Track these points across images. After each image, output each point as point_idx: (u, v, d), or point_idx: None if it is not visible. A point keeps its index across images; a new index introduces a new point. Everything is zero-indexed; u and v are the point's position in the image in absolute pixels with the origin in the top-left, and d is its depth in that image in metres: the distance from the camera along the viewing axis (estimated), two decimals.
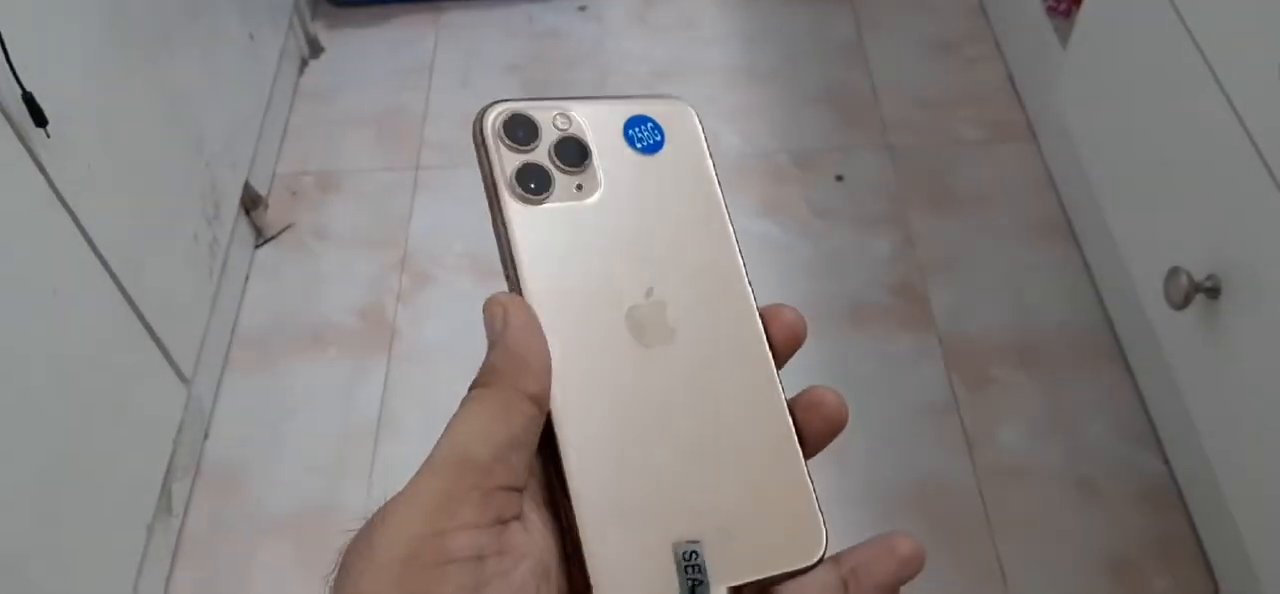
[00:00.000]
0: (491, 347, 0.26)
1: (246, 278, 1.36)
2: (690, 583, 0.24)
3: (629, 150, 0.30)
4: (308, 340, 1.30)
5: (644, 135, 0.31)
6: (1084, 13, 1.10)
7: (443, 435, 0.25)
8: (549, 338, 0.26)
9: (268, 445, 1.20)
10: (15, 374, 0.84)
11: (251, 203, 1.38)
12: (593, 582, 0.24)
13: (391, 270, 1.37)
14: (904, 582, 0.27)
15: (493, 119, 0.30)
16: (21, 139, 0.86)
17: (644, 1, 1.71)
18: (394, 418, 1.22)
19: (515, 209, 0.29)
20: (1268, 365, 0.78)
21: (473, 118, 0.30)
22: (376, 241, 1.40)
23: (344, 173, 1.49)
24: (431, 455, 0.25)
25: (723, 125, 1.51)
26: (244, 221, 1.37)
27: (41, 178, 0.88)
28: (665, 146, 0.31)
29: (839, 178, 1.43)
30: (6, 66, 0.83)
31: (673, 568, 0.24)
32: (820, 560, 0.26)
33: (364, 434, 1.20)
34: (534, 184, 0.29)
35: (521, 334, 0.26)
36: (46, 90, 0.87)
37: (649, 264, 0.28)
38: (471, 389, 0.26)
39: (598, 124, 0.30)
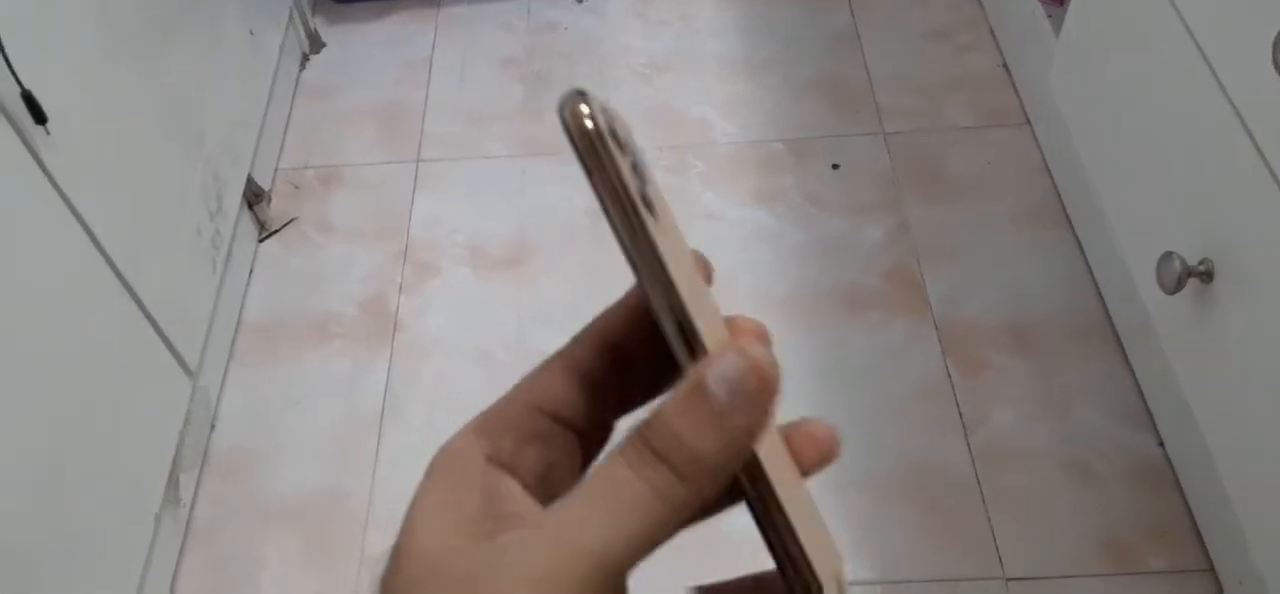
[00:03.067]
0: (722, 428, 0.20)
1: (250, 271, 1.38)
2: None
3: None
4: (312, 332, 1.31)
5: None
6: None
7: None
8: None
9: (274, 436, 1.22)
10: (20, 369, 0.85)
11: (254, 197, 1.39)
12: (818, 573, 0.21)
13: (394, 262, 1.38)
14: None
15: (601, 118, 0.21)
16: (21, 137, 0.87)
17: None
18: (397, 407, 1.23)
19: (660, 236, 0.22)
20: (1261, 347, 0.79)
21: (570, 108, 0.21)
22: (378, 234, 1.41)
23: (346, 166, 1.51)
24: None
25: (719, 116, 1.52)
26: (247, 216, 1.38)
27: (42, 175, 0.90)
28: None
29: (834, 166, 1.44)
30: (5, 65, 0.84)
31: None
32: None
33: (368, 424, 1.22)
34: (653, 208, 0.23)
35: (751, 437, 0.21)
36: (46, 88, 0.88)
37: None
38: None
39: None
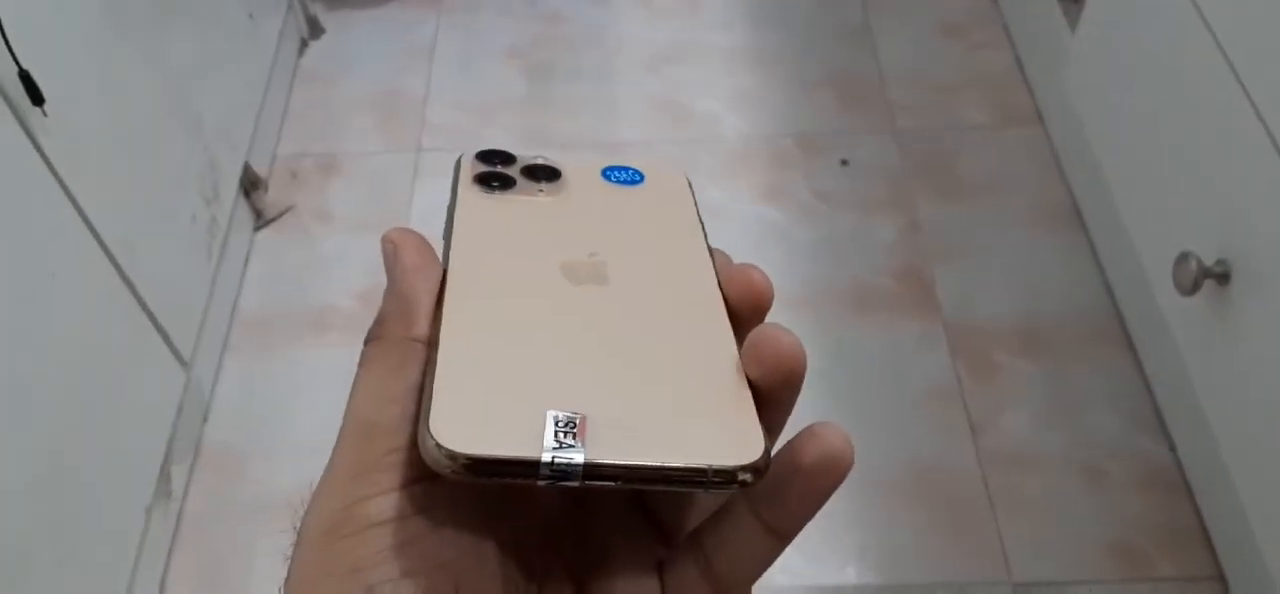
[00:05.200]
0: (387, 289, 0.25)
1: (246, 260, 1.35)
2: (556, 445, 0.20)
3: (604, 182, 0.29)
4: (308, 324, 1.29)
5: (623, 174, 0.30)
6: None
7: (348, 401, 0.24)
8: (460, 274, 0.25)
9: (268, 429, 1.20)
10: (10, 356, 0.83)
11: (251, 184, 1.37)
12: (431, 424, 0.20)
13: None
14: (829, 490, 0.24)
15: (470, 152, 0.29)
16: (18, 117, 0.85)
17: None
18: None
19: (468, 193, 0.28)
20: (1277, 350, 0.78)
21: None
22: (377, 224, 1.38)
23: (345, 155, 1.48)
24: (341, 425, 0.24)
25: (726, 109, 1.50)
26: (243, 203, 1.36)
27: (38, 157, 0.88)
28: (645, 183, 0.30)
29: (844, 162, 1.42)
30: (3, 44, 0.82)
31: (540, 431, 0.20)
32: (755, 473, 0.21)
33: None
34: (496, 183, 0.28)
35: (410, 275, 0.25)
36: (43, 68, 0.86)
37: (599, 238, 0.27)
38: (366, 343, 0.25)
39: (576, 162, 0.29)
